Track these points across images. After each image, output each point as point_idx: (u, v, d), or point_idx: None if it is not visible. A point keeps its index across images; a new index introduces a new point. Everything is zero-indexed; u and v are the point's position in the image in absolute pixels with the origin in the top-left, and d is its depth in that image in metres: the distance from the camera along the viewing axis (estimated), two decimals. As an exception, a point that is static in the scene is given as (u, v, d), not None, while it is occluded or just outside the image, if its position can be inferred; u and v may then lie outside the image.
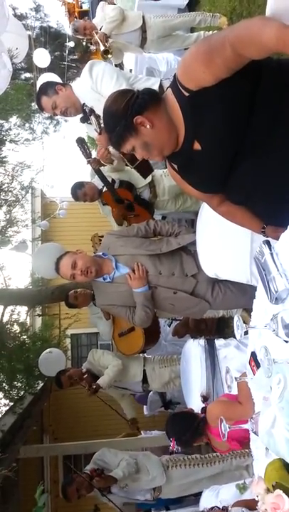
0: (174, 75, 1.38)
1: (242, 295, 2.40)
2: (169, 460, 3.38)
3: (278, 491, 1.00)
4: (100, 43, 3.59)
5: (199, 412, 2.00)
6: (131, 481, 3.23)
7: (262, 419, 1.12)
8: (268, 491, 1.06)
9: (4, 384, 5.18)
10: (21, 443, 4.91)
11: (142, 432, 5.97)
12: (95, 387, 3.67)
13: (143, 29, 4.11)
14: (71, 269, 2.46)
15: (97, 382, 3.72)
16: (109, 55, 3.72)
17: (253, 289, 1.44)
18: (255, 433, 1.29)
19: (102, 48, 3.58)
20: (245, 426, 1.31)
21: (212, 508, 1.81)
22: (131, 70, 4.86)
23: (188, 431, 2.00)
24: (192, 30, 4.90)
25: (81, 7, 14.11)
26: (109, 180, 3.38)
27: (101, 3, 4.15)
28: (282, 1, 1.18)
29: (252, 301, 1.45)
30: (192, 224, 3.77)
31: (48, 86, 2.68)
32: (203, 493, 2.44)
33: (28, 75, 15.24)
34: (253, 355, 1.30)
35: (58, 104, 2.62)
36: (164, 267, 2.45)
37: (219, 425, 1.33)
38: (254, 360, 1.31)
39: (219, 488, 2.33)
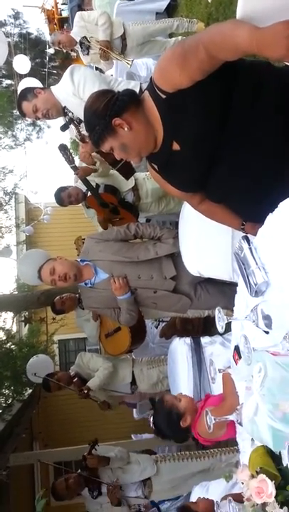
0: (150, 77, 1.41)
1: (222, 296, 2.48)
2: (158, 456, 3.44)
3: (262, 476, 1.03)
4: (110, 52, 3.66)
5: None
6: (122, 472, 3.26)
7: (245, 408, 1.15)
8: (252, 477, 1.09)
9: (-8, 392, 5.16)
10: (11, 451, 4.88)
11: (132, 435, 5.99)
12: (86, 391, 3.67)
13: (123, 37, 4.16)
14: (50, 275, 2.53)
15: (87, 384, 3.72)
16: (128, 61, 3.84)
17: (232, 291, 1.49)
18: (240, 424, 1.32)
19: (114, 55, 3.65)
20: (230, 417, 1.34)
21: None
22: (111, 76, 4.90)
23: (172, 432, 2.02)
24: (170, 35, 4.98)
25: (60, 14, 14.14)
26: (93, 185, 3.40)
27: (78, 13, 4.17)
28: (252, 4, 1.23)
29: (231, 302, 1.50)
30: (176, 226, 3.81)
31: (27, 91, 2.70)
32: (193, 489, 2.47)
33: (8, 81, 15.23)
34: (236, 348, 1.34)
35: (39, 106, 2.63)
36: (143, 272, 2.51)
37: (204, 418, 1.36)
38: (237, 354, 1.34)
39: (209, 483, 2.36)
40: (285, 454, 1.00)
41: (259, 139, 1.39)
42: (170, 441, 2.78)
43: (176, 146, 1.47)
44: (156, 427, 2.10)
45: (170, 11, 5.52)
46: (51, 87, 2.73)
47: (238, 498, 1.21)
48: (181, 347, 2.66)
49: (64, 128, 2.79)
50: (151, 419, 2.14)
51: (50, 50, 17.48)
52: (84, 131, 2.59)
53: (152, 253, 2.51)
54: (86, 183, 3.29)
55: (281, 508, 0.98)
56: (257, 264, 1.28)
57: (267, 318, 1.17)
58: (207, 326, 4.18)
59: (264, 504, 1.01)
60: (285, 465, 1.03)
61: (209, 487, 2.32)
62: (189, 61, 1.26)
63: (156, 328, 4.86)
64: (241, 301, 1.46)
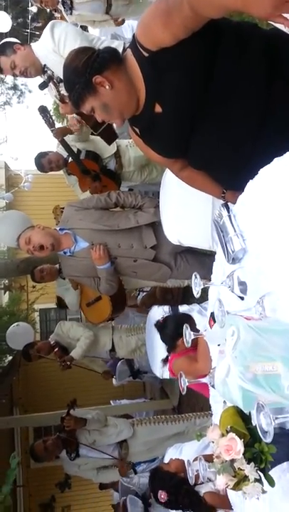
0: (133, 35, 1.36)
1: (201, 267, 2.50)
2: (135, 420, 3.54)
3: (231, 434, 1.07)
4: None
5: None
6: (99, 434, 3.36)
7: (217, 370, 1.18)
8: (223, 435, 1.12)
9: (-29, 358, 5.17)
10: (-10, 416, 4.95)
11: (111, 401, 6.12)
12: (69, 362, 3.70)
13: None
14: (26, 244, 2.50)
15: (71, 355, 3.75)
16: None
17: (212, 262, 1.50)
18: (213, 386, 1.36)
19: None
20: (203, 380, 1.37)
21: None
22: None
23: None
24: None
25: None
26: (75, 150, 3.32)
27: None
28: None
29: (210, 272, 1.51)
30: (158, 196, 3.79)
31: (6, 45, 2.58)
32: (167, 450, 2.56)
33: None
34: (212, 315, 1.36)
35: (17, 63, 2.53)
36: (123, 241, 2.49)
37: (179, 380, 1.39)
38: (213, 320, 1.36)
39: (182, 445, 2.45)
40: (254, 414, 1.04)
41: (241, 103, 1.37)
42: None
43: (158, 108, 1.44)
44: (164, 321, 2.37)
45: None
46: (31, 44, 2.61)
47: (210, 459, 1.26)
48: (159, 315, 2.70)
49: (43, 86, 2.69)
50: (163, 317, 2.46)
51: (33, 9, 16.67)
52: (64, 91, 2.50)
53: (133, 222, 2.48)
54: (67, 148, 3.21)
55: (248, 464, 1.02)
56: (235, 231, 1.29)
57: (242, 284, 1.19)
58: (186, 296, 4.24)
59: (232, 461, 1.05)
60: (254, 424, 1.07)
61: (182, 448, 2.41)
62: (173, 18, 1.22)
63: (137, 297, 4.91)
64: (219, 269, 1.48)
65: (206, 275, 2.58)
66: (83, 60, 1.42)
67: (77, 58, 1.44)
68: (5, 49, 2.54)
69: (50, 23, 2.52)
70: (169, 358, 2.11)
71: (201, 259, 2.52)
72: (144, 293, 4.75)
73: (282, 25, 1.10)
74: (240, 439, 1.07)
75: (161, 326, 2.39)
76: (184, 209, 2.05)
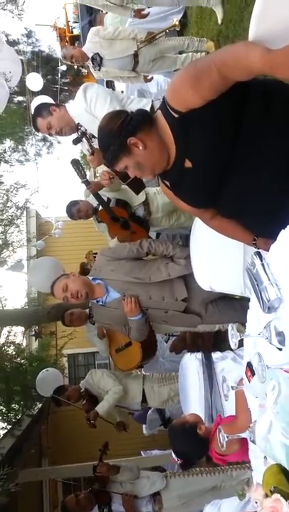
0: (163, 97, 1.44)
1: (233, 312, 2.48)
2: (168, 472, 3.40)
3: (276, 495, 1.02)
4: None
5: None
6: (131, 487, 3.22)
7: (258, 425, 1.14)
8: (266, 496, 1.07)
9: (1, 406, 5.14)
10: (20, 467, 4.84)
11: (141, 452, 5.91)
12: (93, 421, 3.61)
13: (135, 54, 4.25)
14: (62, 292, 2.53)
15: (96, 409, 3.67)
16: None
17: (243, 306, 1.48)
18: (253, 442, 1.31)
19: None
20: (243, 435, 1.33)
21: None
22: (122, 92, 4.99)
23: (193, 448, 2.01)
24: (180, 52, 5.06)
25: (72, 32, 14.44)
26: (105, 199, 3.44)
27: (93, 28, 4.25)
28: (264, 26, 1.25)
29: (242, 317, 1.49)
30: (187, 239, 3.83)
31: (42, 107, 2.76)
32: (205, 507, 2.42)
33: (21, 98, 15.54)
34: (249, 365, 1.33)
35: (53, 124, 2.69)
36: (154, 293, 2.50)
37: (217, 435, 1.35)
38: (250, 370, 1.33)
39: (221, 502, 2.32)
40: (300, 473, 0.99)
41: (270, 155, 1.41)
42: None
43: (188, 164, 1.49)
44: (178, 454, 2.08)
45: (180, 29, 5.60)
46: (66, 105, 2.79)
47: (251, 517, 1.19)
48: (192, 362, 2.65)
49: (76, 142, 2.86)
50: (173, 454, 2.15)
51: (62, 67, 17.83)
52: (95, 145, 2.64)
53: (164, 275, 2.49)
54: (98, 197, 3.33)
55: (296, 528, 0.96)
56: (269, 280, 1.28)
57: (280, 335, 1.17)
58: (217, 341, 4.16)
59: (279, 524, 1.00)
60: (299, 484, 1.02)
61: (221, 505, 2.28)
62: (202, 82, 1.29)
63: (166, 342, 4.83)
64: (254, 317, 1.46)
65: (239, 319, 2.54)
66: (118, 123, 1.50)
67: (112, 121, 1.52)
68: (41, 111, 2.71)
69: (83, 85, 2.69)
70: (209, 452, 1.95)
71: (232, 304, 2.50)
72: (174, 337, 4.68)
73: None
74: (286, 500, 1.02)
75: (183, 458, 2.11)
76: (215, 255, 2.06)
